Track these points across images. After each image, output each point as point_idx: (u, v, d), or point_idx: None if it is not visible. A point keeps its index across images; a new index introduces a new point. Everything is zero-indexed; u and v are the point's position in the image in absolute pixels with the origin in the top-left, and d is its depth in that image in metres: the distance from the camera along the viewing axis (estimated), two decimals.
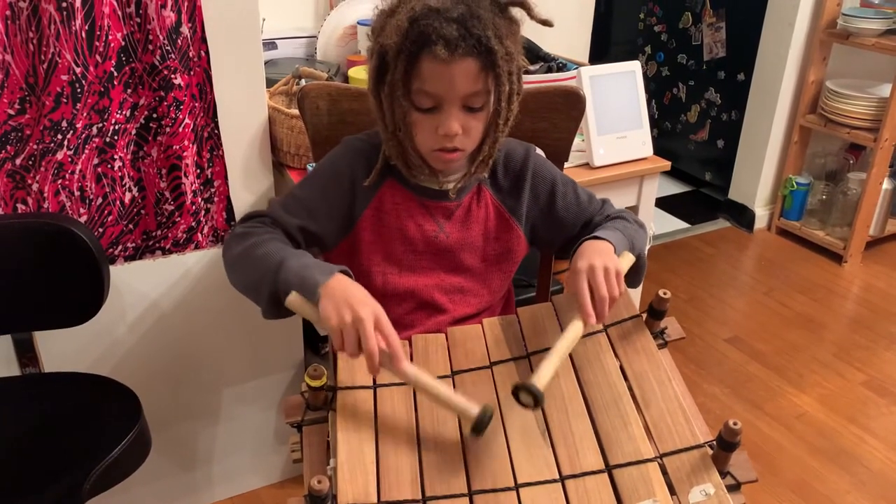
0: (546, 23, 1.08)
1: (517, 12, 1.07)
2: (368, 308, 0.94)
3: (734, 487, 0.89)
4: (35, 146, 1.32)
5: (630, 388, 1.01)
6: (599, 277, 1.02)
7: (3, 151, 1.30)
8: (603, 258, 1.05)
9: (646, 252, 1.21)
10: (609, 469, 0.91)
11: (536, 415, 0.99)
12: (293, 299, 1.00)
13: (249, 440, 1.83)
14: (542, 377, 0.94)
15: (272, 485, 1.91)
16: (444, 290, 1.22)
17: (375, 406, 1.00)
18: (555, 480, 0.90)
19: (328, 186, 1.17)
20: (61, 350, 1.50)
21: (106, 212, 1.44)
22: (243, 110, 1.48)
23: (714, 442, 0.90)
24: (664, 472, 0.90)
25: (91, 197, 1.41)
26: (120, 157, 1.41)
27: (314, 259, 1.06)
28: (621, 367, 1.04)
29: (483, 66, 1.02)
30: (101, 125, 1.36)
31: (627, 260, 1.11)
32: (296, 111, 1.43)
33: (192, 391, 1.70)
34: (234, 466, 1.84)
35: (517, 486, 0.90)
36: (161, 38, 1.33)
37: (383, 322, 0.94)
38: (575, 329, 1.01)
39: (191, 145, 1.44)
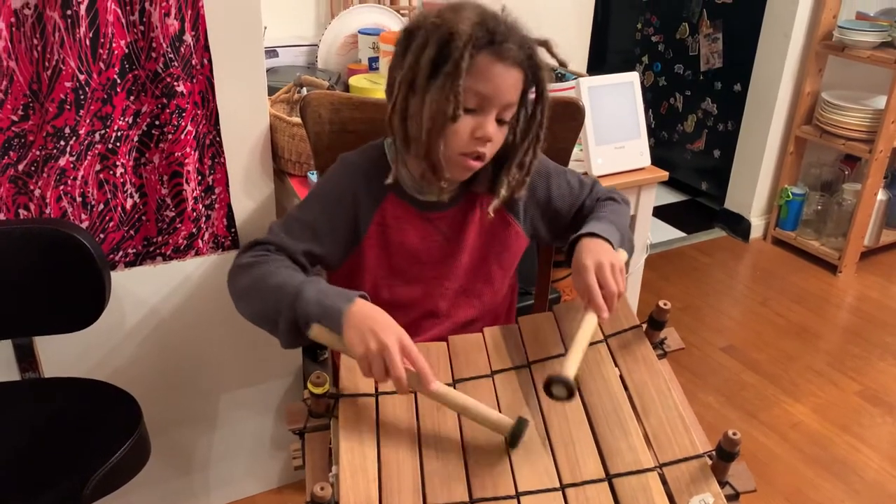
0: (563, 63, 1.14)
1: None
2: (393, 335, 0.95)
3: (733, 497, 0.90)
4: (38, 152, 1.32)
5: (630, 398, 1.02)
6: (607, 273, 1.05)
7: (6, 157, 1.31)
8: (608, 256, 1.08)
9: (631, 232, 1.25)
10: (609, 478, 0.92)
11: (537, 423, 1.00)
12: (317, 331, 0.99)
13: (247, 446, 1.83)
14: (569, 368, 0.96)
15: (269, 491, 1.91)
16: (447, 295, 1.23)
17: (377, 413, 1.00)
18: (555, 489, 0.91)
19: (331, 207, 1.17)
20: (61, 355, 1.50)
21: (107, 218, 1.44)
22: (245, 118, 1.49)
23: (713, 452, 0.91)
24: (664, 482, 0.91)
25: (93, 203, 1.41)
26: (122, 164, 1.41)
27: (329, 285, 1.05)
28: (621, 377, 1.05)
29: (526, 81, 1.07)
30: (103, 132, 1.37)
31: (622, 257, 1.14)
32: (297, 119, 1.44)
33: (190, 397, 1.70)
34: (232, 472, 1.84)
35: (518, 495, 0.91)
36: (164, 45, 1.34)
37: (408, 346, 0.95)
38: (591, 321, 1.03)
39: (192, 152, 1.45)
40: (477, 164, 1.11)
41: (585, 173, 1.82)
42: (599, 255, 1.07)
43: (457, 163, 1.10)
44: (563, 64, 1.13)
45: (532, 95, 1.11)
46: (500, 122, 1.08)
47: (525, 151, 1.14)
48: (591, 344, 1.09)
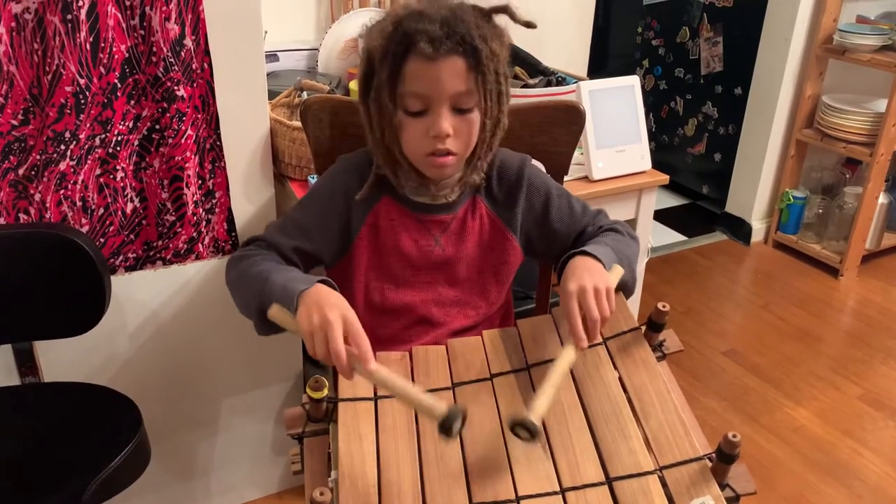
0: (529, 24, 1.10)
1: (502, 20, 1.09)
2: (337, 311, 0.94)
3: (733, 500, 0.90)
4: (38, 156, 1.33)
5: (629, 401, 1.01)
6: (590, 300, 1.01)
7: (7, 161, 1.31)
8: (593, 278, 1.04)
9: (637, 265, 1.20)
10: (609, 481, 0.92)
11: None
12: (275, 312, 1.01)
13: (247, 451, 1.83)
14: (537, 410, 0.92)
15: (269, 496, 1.90)
16: (440, 303, 1.22)
17: (377, 418, 1.00)
18: (555, 493, 0.91)
19: (323, 206, 1.18)
20: (61, 360, 1.50)
21: (107, 222, 1.44)
22: (245, 122, 1.49)
23: (713, 454, 0.91)
24: (664, 485, 0.91)
25: (93, 207, 1.42)
26: (122, 168, 1.41)
27: (300, 273, 1.08)
28: (620, 380, 1.05)
29: (469, 66, 1.03)
30: (103, 136, 1.37)
31: (616, 273, 1.10)
32: (297, 123, 1.44)
33: (190, 401, 1.70)
34: (232, 477, 1.84)
35: (518, 499, 0.90)
36: (165, 50, 1.34)
37: (352, 324, 0.94)
38: (567, 357, 1.00)
39: (193, 156, 1.45)
40: (447, 160, 1.09)
41: (586, 177, 1.82)
42: (584, 279, 1.03)
43: (426, 164, 1.10)
44: (528, 25, 1.10)
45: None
46: (460, 111, 1.06)
47: (485, 132, 1.11)
48: (590, 347, 1.08)
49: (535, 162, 1.32)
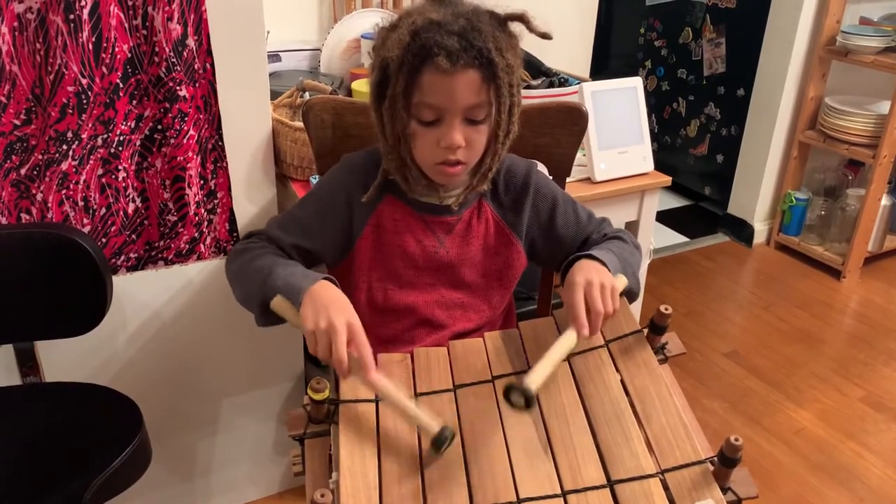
0: (545, 36, 1.10)
1: (516, 27, 1.09)
2: (343, 316, 0.96)
3: (735, 503, 0.90)
4: (40, 156, 1.33)
5: (631, 403, 1.01)
6: (596, 293, 1.03)
7: (9, 161, 1.31)
8: (600, 275, 1.06)
9: (640, 273, 1.21)
10: (611, 484, 0.91)
11: (538, 429, 0.99)
12: (278, 302, 1.03)
13: (248, 451, 1.83)
14: (534, 379, 0.95)
15: (271, 496, 1.90)
16: (444, 305, 1.22)
17: (378, 419, 1.00)
18: (557, 495, 0.91)
19: (324, 205, 1.19)
20: (62, 360, 1.50)
21: (109, 222, 1.44)
22: (247, 122, 1.49)
23: (715, 457, 0.91)
24: (665, 488, 0.90)
25: (95, 207, 1.42)
26: (124, 168, 1.41)
27: (302, 268, 1.09)
28: (623, 382, 1.04)
29: (484, 78, 1.03)
30: (105, 136, 1.37)
31: (621, 282, 1.11)
32: (300, 123, 1.44)
33: (192, 401, 1.70)
34: (233, 477, 1.84)
35: (519, 501, 0.90)
36: (167, 50, 1.34)
37: (356, 331, 0.96)
38: (569, 338, 1.01)
39: (195, 156, 1.45)
40: (457, 170, 1.10)
41: (589, 178, 1.82)
42: (591, 275, 1.05)
43: (436, 171, 1.11)
44: (544, 36, 1.09)
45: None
46: (473, 122, 1.06)
47: (497, 144, 1.11)
48: (591, 349, 1.09)
49: (540, 167, 1.32)
